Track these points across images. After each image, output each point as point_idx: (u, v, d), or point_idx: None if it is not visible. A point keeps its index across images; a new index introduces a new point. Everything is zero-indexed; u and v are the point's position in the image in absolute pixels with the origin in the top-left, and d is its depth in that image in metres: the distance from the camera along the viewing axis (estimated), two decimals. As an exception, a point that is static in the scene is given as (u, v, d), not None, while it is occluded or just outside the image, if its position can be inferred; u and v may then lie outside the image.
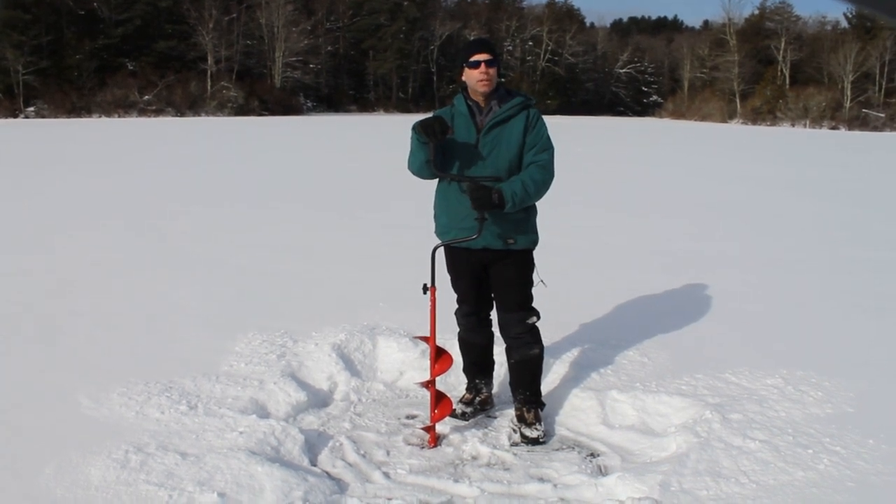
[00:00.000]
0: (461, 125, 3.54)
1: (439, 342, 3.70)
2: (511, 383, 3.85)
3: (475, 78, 3.49)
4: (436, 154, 3.44)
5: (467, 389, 4.02)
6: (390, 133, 28.72)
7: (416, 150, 3.50)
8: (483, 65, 3.45)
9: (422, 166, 3.52)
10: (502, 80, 3.64)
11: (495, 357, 4.04)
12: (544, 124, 3.57)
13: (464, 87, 3.59)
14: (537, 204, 3.65)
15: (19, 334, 4.85)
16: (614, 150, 25.69)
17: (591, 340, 4.76)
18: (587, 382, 4.13)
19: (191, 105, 51.67)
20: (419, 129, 3.37)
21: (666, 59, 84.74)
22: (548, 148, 3.53)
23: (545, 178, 3.47)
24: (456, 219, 3.58)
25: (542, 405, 3.80)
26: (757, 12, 70.18)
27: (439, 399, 3.62)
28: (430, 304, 3.58)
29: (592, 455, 3.56)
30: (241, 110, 52.88)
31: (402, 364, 4.49)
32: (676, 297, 6.09)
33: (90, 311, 5.36)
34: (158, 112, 49.65)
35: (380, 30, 68.94)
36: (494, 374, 4.08)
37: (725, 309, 5.72)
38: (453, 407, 3.72)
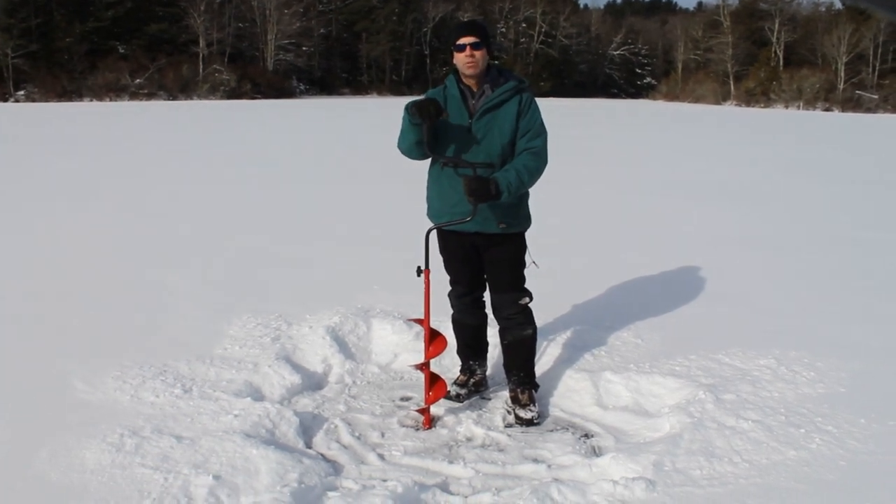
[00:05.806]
0: (453, 109, 3.51)
1: (433, 325, 3.70)
2: (505, 365, 3.86)
3: (461, 61, 3.47)
4: (429, 136, 3.42)
5: (461, 371, 4.03)
6: (383, 115, 28.58)
7: (406, 130, 3.47)
8: (468, 48, 3.43)
9: (411, 146, 3.50)
10: (496, 62, 3.61)
11: (489, 339, 4.05)
12: (537, 108, 3.54)
13: (456, 70, 3.55)
14: (529, 187, 3.64)
15: (11, 318, 4.83)
16: (607, 132, 25.63)
17: (584, 322, 4.78)
18: (581, 364, 4.15)
19: (182, 88, 51.32)
20: (413, 109, 3.35)
21: (660, 41, 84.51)
22: (541, 133, 3.50)
23: (538, 165, 3.46)
24: (449, 203, 3.57)
25: (536, 386, 3.81)
26: (751, -7, 69.95)
27: (433, 381, 3.63)
28: (424, 286, 3.58)
29: (586, 436, 3.58)
30: (234, 93, 52.57)
31: (396, 346, 4.49)
32: (670, 279, 6.10)
33: (83, 295, 5.34)
34: (150, 95, 49.31)
35: (373, 12, 68.46)
36: (488, 355, 4.09)
37: (719, 290, 5.73)
38: (447, 389, 3.73)
